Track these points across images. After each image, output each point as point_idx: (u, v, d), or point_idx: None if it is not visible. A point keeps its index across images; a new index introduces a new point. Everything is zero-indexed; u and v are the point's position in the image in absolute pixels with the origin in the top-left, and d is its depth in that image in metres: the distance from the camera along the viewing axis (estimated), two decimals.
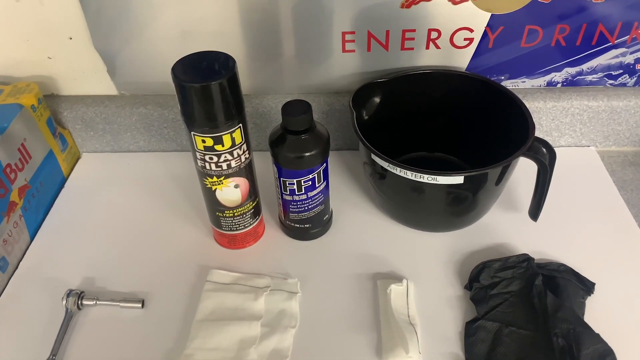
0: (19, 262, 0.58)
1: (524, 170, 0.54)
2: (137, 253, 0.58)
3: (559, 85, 0.66)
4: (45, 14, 0.60)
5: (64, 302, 0.51)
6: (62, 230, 0.61)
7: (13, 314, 0.53)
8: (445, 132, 0.65)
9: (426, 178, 0.50)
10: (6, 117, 0.58)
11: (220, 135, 0.47)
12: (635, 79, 0.64)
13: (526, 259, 0.53)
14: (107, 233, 0.61)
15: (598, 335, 0.46)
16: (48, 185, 0.64)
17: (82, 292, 0.52)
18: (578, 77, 0.65)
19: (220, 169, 0.50)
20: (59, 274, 0.56)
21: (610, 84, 0.65)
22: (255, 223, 0.57)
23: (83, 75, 0.66)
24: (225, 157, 0.49)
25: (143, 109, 0.67)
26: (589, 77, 0.65)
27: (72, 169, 0.70)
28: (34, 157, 0.61)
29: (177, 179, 0.68)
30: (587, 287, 0.51)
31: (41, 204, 0.63)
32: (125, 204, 0.64)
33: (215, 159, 0.49)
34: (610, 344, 0.45)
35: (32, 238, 0.60)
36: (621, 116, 0.66)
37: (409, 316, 0.50)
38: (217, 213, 0.54)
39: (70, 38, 0.62)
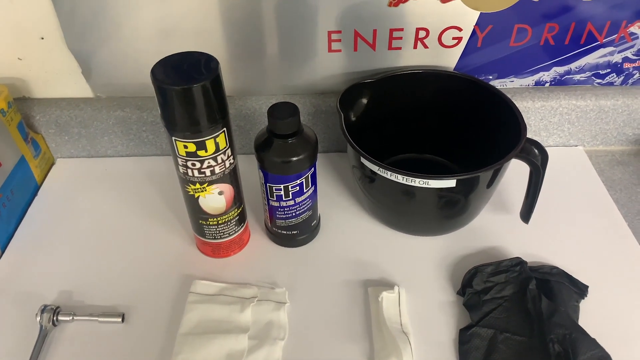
0: None
1: (514, 171, 0.53)
2: (116, 264, 0.55)
3: (547, 84, 0.65)
4: (15, 12, 0.57)
5: (38, 318, 0.48)
6: (36, 241, 0.58)
7: None
8: (434, 133, 0.64)
9: (417, 182, 0.48)
10: None
11: (204, 141, 0.45)
12: (622, 78, 0.64)
13: (519, 262, 0.52)
14: (84, 243, 0.58)
15: (594, 340, 0.45)
16: (20, 194, 0.61)
17: (57, 307, 0.49)
18: (566, 77, 0.64)
19: (203, 175, 0.47)
20: (32, 287, 0.53)
21: (598, 83, 0.65)
22: (241, 230, 0.55)
23: (56, 76, 0.63)
24: (209, 163, 0.46)
25: (121, 112, 0.64)
26: (577, 77, 0.64)
27: (45, 176, 0.67)
28: (5, 164, 0.58)
29: (157, 184, 0.65)
30: (581, 290, 0.51)
31: (12, 214, 0.59)
32: (102, 212, 0.61)
33: (197, 165, 0.46)
34: (606, 349, 0.45)
35: (3, 250, 0.57)
36: (609, 115, 0.66)
37: (401, 324, 0.48)
38: (200, 221, 0.52)
39: (42, 38, 0.59)
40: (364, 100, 0.60)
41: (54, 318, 0.49)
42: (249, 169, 0.56)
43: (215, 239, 0.53)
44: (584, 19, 0.58)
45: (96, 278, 0.54)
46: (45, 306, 0.49)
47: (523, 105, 0.64)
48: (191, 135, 0.44)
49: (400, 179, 0.49)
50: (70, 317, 0.49)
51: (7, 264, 0.56)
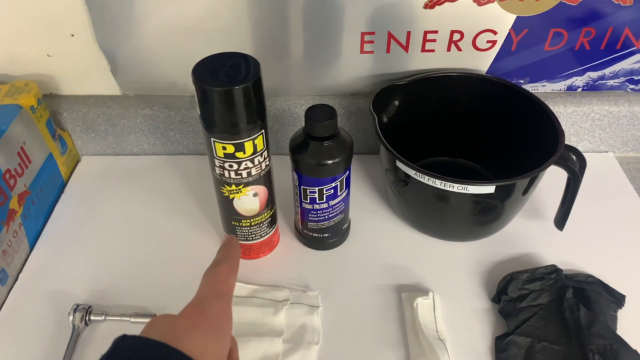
0: (19, 274, 0.54)
1: (548, 177, 0.53)
2: (145, 262, 0.55)
3: (579, 89, 0.64)
4: (46, 8, 0.56)
5: (71, 317, 0.48)
6: (64, 238, 0.58)
7: (15, 330, 0.49)
8: (465, 136, 0.63)
9: (455, 187, 0.48)
10: (5, 119, 0.54)
11: (242, 142, 0.44)
12: None
13: (554, 270, 0.51)
14: (112, 241, 0.57)
15: (636, 351, 0.44)
16: (47, 191, 0.61)
17: (89, 306, 0.49)
18: (599, 82, 0.63)
19: (239, 177, 0.47)
20: (62, 285, 0.53)
21: (632, 89, 0.64)
22: (272, 232, 0.54)
23: (85, 74, 0.63)
24: (246, 164, 0.46)
25: (148, 110, 0.64)
26: (611, 82, 0.63)
27: (71, 173, 0.66)
28: (34, 161, 0.57)
29: (184, 183, 0.64)
30: (618, 299, 0.50)
31: (41, 211, 0.59)
32: (129, 210, 0.61)
33: (235, 166, 0.46)
34: None
35: (31, 247, 0.57)
36: None
37: (437, 331, 0.48)
38: (232, 222, 0.52)
39: (72, 35, 0.59)
40: (396, 103, 0.59)
41: (87, 317, 0.48)
42: (278, 169, 0.55)
43: (247, 240, 0.53)
44: (622, 24, 0.57)
45: (126, 276, 0.53)
46: (78, 305, 0.49)
47: (554, 110, 0.63)
48: (230, 137, 0.44)
49: (438, 183, 0.48)
50: (103, 317, 0.49)
51: (36, 261, 0.55)
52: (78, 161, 0.68)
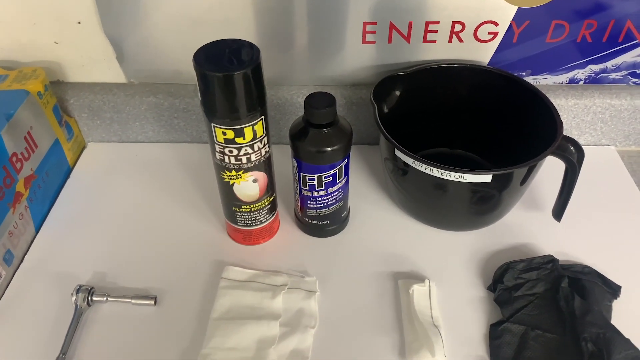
0: (24, 255, 0.55)
1: (547, 168, 0.53)
2: (147, 247, 0.56)
3: (581, 82, 0.64)
4: None
5: (74, 298, 0.49)
6: (69, 222, 0.59)
7: (19, 309, 0.50)
8: (465, 127, 0.63)
9: (453, 176, 0.48)
10: (12, 103, 0.55)
11: (242, 128, 0.45)
12: None
13: (551, 260, 0.52)
14: (116, 226, 0.58)
15: (629, 340, 0.44)
16: (54, 176, 0.62)
17: (92, 287, 0.50)
18: (601, 75, 0.63)
19: (239, 162, 0.48)
20: (66, 267, 0.54)
21: (634, 82, 0.64)
22: (272, 219, 0.55)
23: (91, 61, 0.64)
24: (246, 150, 0.47)
25: (153, 98, 0.65)
26: (613, 75, 0.63)
27: (77, 159, 0.67)
28: (40, 146, 0.59)
29: (187, 171, 0.65)
30: (613, 290, 0.50)
31: (47, 195, 0.60)
32: (133, 196, 0.62)
33: (235, 152, 0.47)
34: None
35: (37, 230, 0.58)
36: None
37: (432, 317, 0.48)
38: (233, 208, 0.52)
39: (79, 22, 0.60)
40: (397, 93, 0.60)
41: (89, 298, 0.50)
42: (279, 158, 0.56)
43: (247, 226, 0.54)
44: (624, 17, 0.57)
45: (128, 260, 0.55)
46: (80, 286, 0.50)
47: (556, 102, 0.63)
48: (230, 122, 0.44)
49: (435, 172, 0.48)
50: (105, 298, 0.50)
51: (41, 243, 0.57)
52: (84, 147, 0.69)
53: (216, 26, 0.59)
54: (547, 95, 0.61)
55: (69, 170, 0.66)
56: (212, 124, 0.45)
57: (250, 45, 0.44)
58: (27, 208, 0.56)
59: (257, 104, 0.45)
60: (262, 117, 0.46)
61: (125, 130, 0.68)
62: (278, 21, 0.59)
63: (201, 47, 0.44)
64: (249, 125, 0.45)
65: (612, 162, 0.66)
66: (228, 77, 0.42)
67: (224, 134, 0.45)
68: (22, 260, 0.55)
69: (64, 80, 0.66)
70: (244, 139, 0.46)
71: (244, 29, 0.59)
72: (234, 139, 0.45)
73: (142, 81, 0.66)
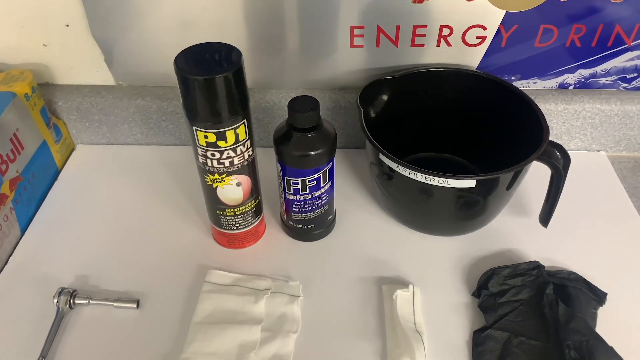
0: (9, 258, 0.55)
1: (535, 174, 0.53)
2: (132, 251, 0.56)
3: (571, 87, 0.64)
4: None
5: (55, 300, 0.49)
6: (55, 224, 0.59)
7: (1, 310, 0.50)
8: (453, 132, 0.63)
9: (436, 181, 0.48)
10: None
11: (224, 131, 0.45)
12: None
13: (536, 266, 0.51)
14: (102, 229, 0.58)
15: (612, 348, 0.44)
16: (41, 178, 0.62)
17: (74, 290, 0.50)
18: (591, 80, 0.63)
19: (222, 166, 0.47)
20: (50, 270, 0.54)
21: (624, 87, 0.64)
22: (256, 222, 0.55)
23: (79, 64, 0.64)
24: (228, 153, 0.46)
25: (141, 101, 0.65)
26: (603, 80, 0.63)
27: (65, 161, 0.67)
28: (27, 147, 0.59)
29: (175, 174, 0.65)
30: (599, 297, 0.50)
31: (33, 197, 0.60)
32: (120, 198, 0.62)
33: (217, 155, 0.46)
34: (624, 358, 0.44)
35: (22, 232, 0.58)
36: (634, 121, 0.64)
37: (415, 324, 0.48)
38: (217, 211, 0.52)
39: (67, 25, 0.60)
40: (384, 97, 0.59)
41: (71, 301, 0.49)
42: (267, 162, 0.56)
43: (231, 229, 0.54)
44: (612, 21, 0.57)
45: (112, 264, 0.54)
46: (63, 289, 0.50)
47: (545, 107, 0.63)
48: (212, 125, 0.44)
49: (419, 177, 0.48)
50: (87, 301, 0.50)
51: (26, 246, 0.57)
52: (73, 150, 0.69)
53: (205, 29, 0.59)
54: (537, 100, 0.61)
55: (57, 173, 0.66)
56: (194, 127, 0.45)
57: (232, 49, 0.44)
58: (12, 210, 0.56)
59: (239, 107, 0.44)
60: (245, 120, 0.46)
61: (114, 133, 0.68)
62: (267, 25, 0.59)
63: (182, 50, 0.44)
64: (231, 129, 0.45)
65: (602, 168, 0.66)
66: (209, 80, 0.41)
67: (206, 137, 0.45)
68: (6, 263, 0.55)
69: (52, 83, 0.66)
70: (226, 142, 0.46)
71: (233, 33, 0.59)
72: (215, 142, 0.45)
73: (130, 84, 0.66)
